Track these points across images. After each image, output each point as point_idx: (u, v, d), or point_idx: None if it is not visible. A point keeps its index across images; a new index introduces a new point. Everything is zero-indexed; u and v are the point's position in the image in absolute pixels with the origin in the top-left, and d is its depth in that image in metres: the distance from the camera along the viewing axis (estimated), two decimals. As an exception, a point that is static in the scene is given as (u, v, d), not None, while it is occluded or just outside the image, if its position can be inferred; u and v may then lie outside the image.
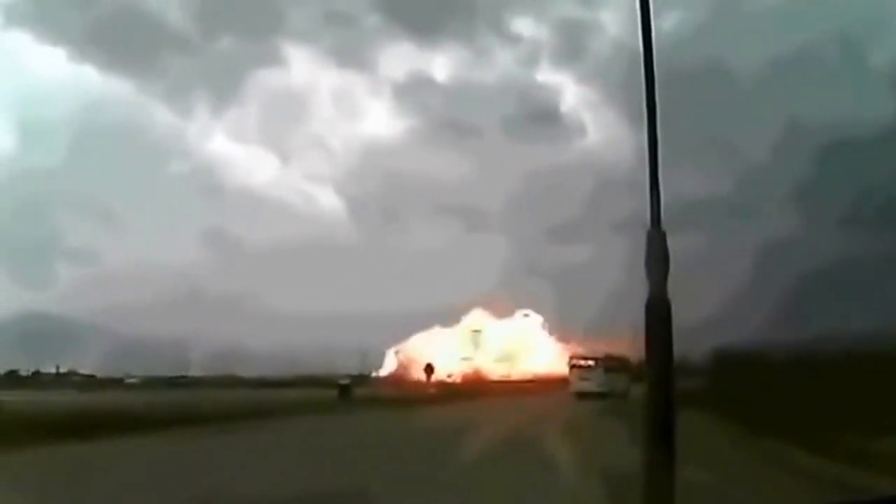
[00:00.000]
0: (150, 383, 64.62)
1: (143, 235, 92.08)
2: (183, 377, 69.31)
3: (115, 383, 66.67)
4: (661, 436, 6.09)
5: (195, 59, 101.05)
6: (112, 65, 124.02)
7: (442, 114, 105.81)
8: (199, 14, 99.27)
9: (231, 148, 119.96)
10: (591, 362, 44.83)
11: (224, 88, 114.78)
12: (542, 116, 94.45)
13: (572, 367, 46.03)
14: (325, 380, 53.30)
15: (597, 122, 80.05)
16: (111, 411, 20.72)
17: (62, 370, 78.23)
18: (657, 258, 6.32)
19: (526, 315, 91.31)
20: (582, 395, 40.07)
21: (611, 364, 43.35)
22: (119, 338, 72.64)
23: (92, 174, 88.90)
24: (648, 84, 6.65)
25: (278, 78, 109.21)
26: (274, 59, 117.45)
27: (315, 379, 58.43)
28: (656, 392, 6.26)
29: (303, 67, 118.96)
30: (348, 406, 33.17)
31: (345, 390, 38.81)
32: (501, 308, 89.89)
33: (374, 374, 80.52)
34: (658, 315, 6.24)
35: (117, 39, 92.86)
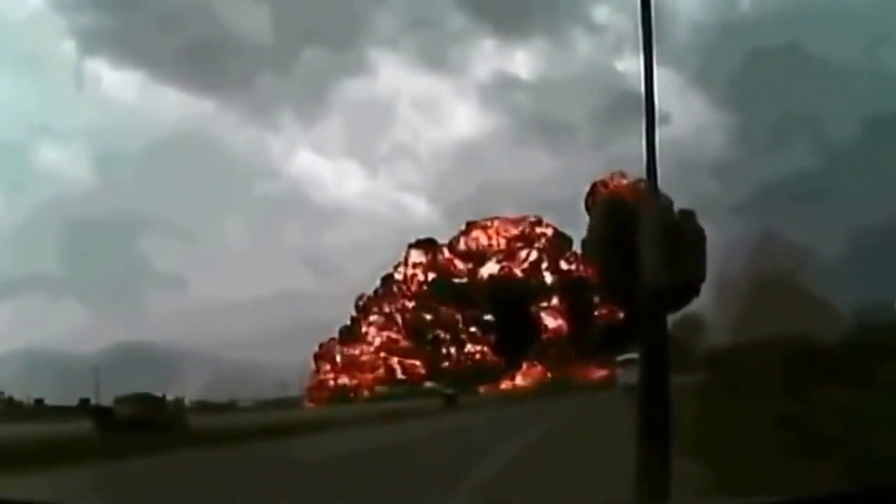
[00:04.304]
0: (263, 405, 67.53)
1: (233, 258, 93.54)
2: (290, 398, 71.69)
3: (228, 407, 69.71)
4: (655, 429, 5.82)
5: (279, 73, 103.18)
6: (192, 85, 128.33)
7: (529, 111, 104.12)
8: (281, 27, 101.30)
9: (318, 162, 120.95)
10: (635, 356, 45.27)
11: (309, 101, 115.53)
12: (627, 106, 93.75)
13: (619, 362, 47.08)
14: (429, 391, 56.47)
15: (680, 109, 79.35)
16: (265, 424, 24.53)
17: (168, 397, 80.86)
18: (652, 239, 6.10)
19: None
20: (628, 389, 41.20)
21: None
22: (217, 364, 73.49)
23: (176, 198, 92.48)
24: (647, 65, 6.48)
25: (364, 87, 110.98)
26: (358, 67, 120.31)
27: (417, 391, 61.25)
28: (650, 379, 5.95)
29: (388, 74, 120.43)
30: (457, 408, 38.46)
31: (452, 398, 43.52)
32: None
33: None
34: (652, 298, 6.01)
35: (197, 59, 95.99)
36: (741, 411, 15.87)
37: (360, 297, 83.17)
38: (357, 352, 78.34)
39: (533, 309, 79.71)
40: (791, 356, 19.33)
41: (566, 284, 79.81)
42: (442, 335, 79.17)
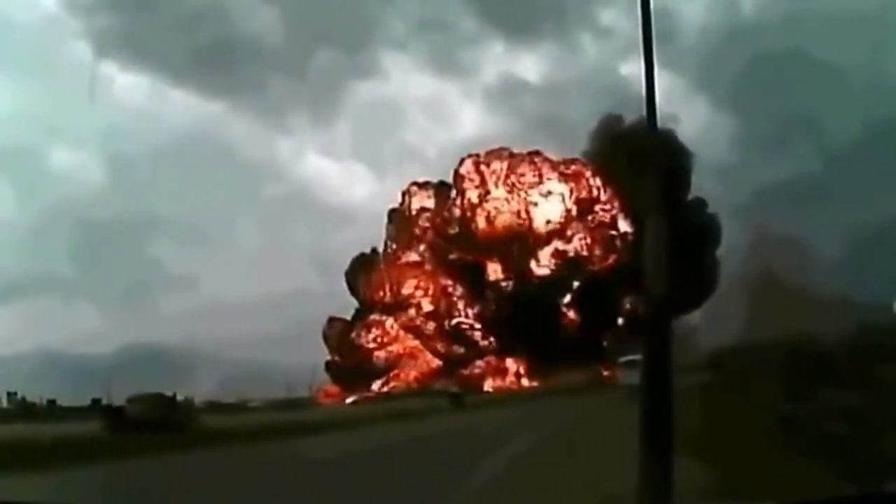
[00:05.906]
0: (273, 405, 67.82)
1: (244, 259, 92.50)
2: (300, 398, 72.05)
3: (238, 407, 69.67)
4: (657, 430, 5.85)
5: (290, 75, 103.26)
6: (203, 88, 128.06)
7: (536, 114, 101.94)
8: (293, 30, 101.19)
9: (328, 164, 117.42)
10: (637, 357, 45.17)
11: (319, 104, 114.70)
12: (634, 109, 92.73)
13: (620, 363, 47.18)
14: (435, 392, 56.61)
15: (685, 111, 79.20)
16: (275, 423, 26.09)
17: (179, 397, 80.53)
18: (657, 246, 5.97)
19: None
20: (629, 388, 41.19)
21: None
22: (227, 364, 73.21)
23: (187, 200, 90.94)
24: (648, 67, 6.46)
25: (373, 89, 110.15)
26: (369, 70, 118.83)
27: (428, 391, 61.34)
28: (653, 389, 5.95)
29: (398, 77, 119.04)
30: (462, 408, 39.90)
31: (457, 397, 44.34)
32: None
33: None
34: (657, 307, 5.99)
35: (208, 62, 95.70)
36: (742, 411, 16.13)
37: (357, 260, 74.84)
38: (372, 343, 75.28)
39: (555, 304, 65.23)
40: (792, 356, 19.65)
41: (598, 280, 62.81)
42: (448, 327, 69.71)
